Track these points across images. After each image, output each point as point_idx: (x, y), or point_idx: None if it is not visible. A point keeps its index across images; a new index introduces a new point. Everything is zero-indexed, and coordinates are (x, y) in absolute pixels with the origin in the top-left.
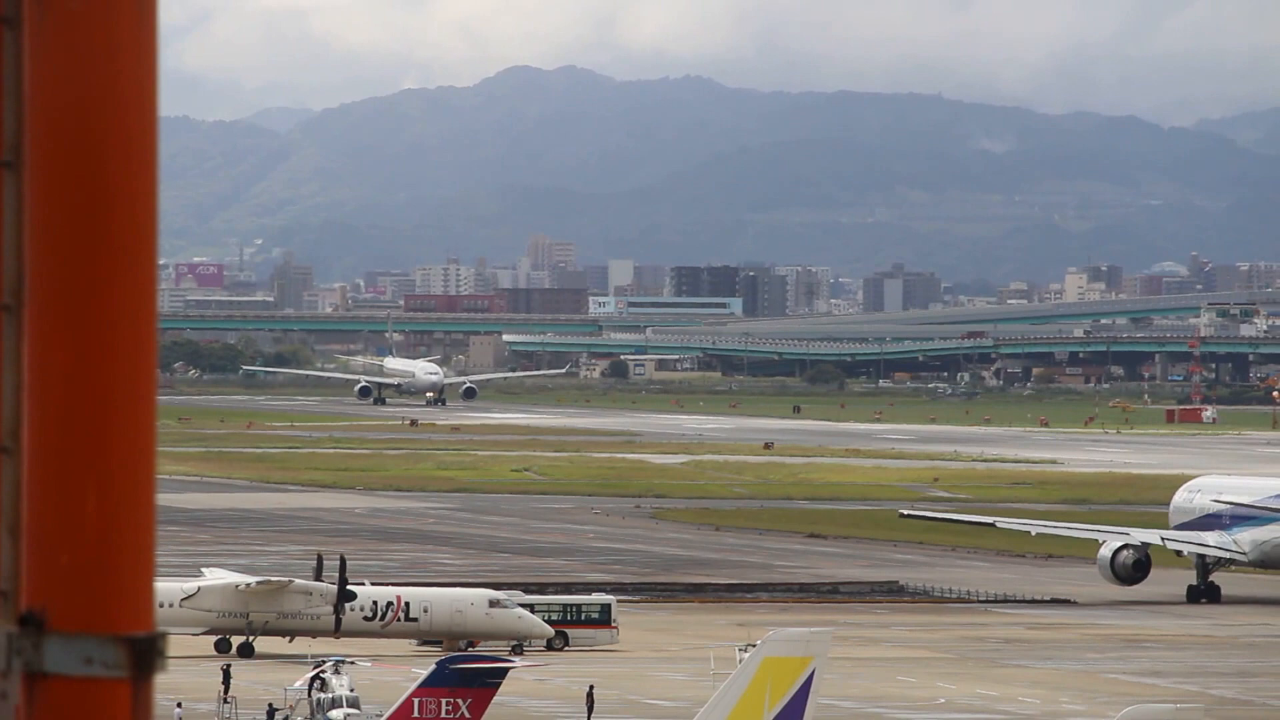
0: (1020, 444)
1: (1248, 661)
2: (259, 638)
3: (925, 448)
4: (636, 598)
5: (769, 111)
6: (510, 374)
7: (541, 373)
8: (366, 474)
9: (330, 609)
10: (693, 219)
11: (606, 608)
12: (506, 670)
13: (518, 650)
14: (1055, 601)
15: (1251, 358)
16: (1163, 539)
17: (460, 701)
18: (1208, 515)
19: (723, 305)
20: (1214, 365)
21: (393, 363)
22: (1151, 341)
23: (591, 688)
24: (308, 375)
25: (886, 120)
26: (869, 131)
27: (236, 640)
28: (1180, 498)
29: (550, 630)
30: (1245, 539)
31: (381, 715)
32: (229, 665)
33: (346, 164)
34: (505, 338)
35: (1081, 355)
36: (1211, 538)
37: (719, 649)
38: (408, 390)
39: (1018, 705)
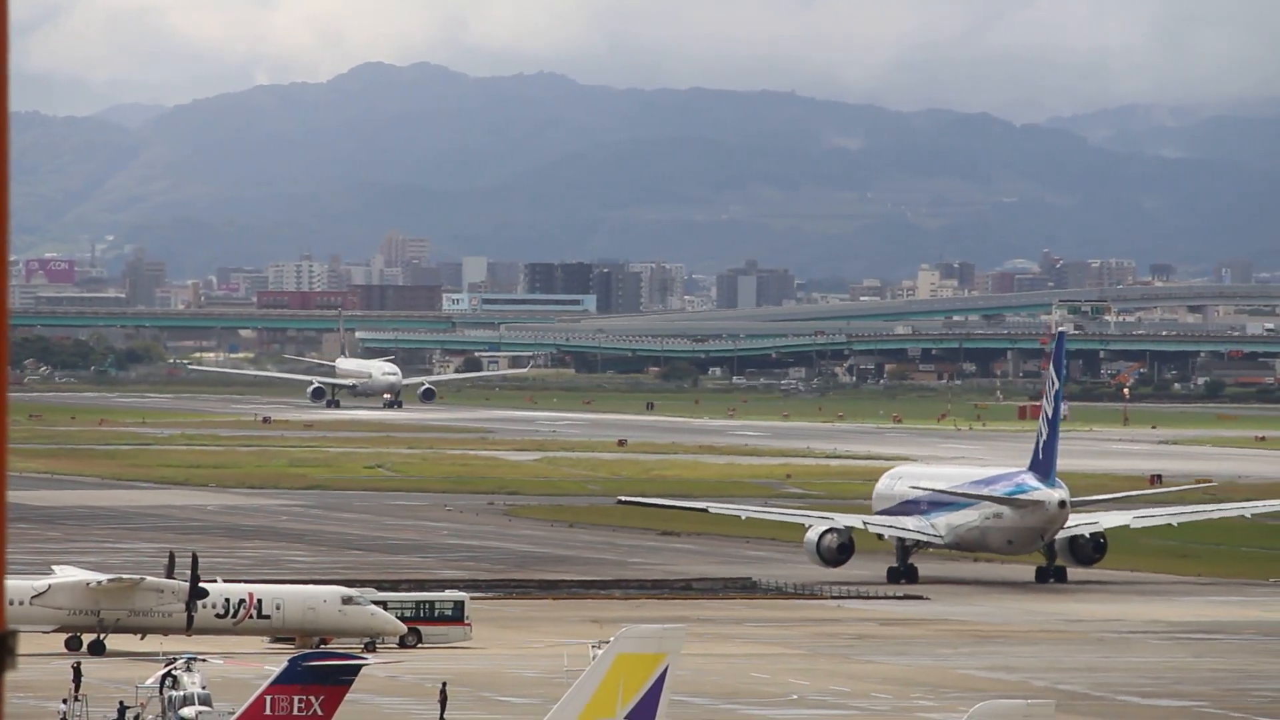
0: (874, 440)
1: (1100, 656)
2: (110, 635)
3: (779, 444)
4: (490, 595)
5: (623, 108)
6: (475, 374)
7: (500, 372)
8: (219, 471)
9: (182, 606)
10: (547, 216)
11: (459, 605)
12: (359, 667)
13: (370, 647)
14: (908, 597)
15: (1102, 354)
16: (865, 523)
17: (313, 699)
18: (907, 501)
19: (576, 302)
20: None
21: (346, 363)
22: (1004, 338)
23: (444, 685)
24: (255, 376)
25: (740, 117)
26: (722, 129)
27: (87, 638)
28: (882, 484)
29: (403, 627)
30: (941, 523)
31: (233, 713)
32: (80, 663)
33: (199, 160)
34: (359, 335)
35: (934, 352)
36: (911, 522)
37: (572, 646)
38: (363, 392)
39: (870, 701)
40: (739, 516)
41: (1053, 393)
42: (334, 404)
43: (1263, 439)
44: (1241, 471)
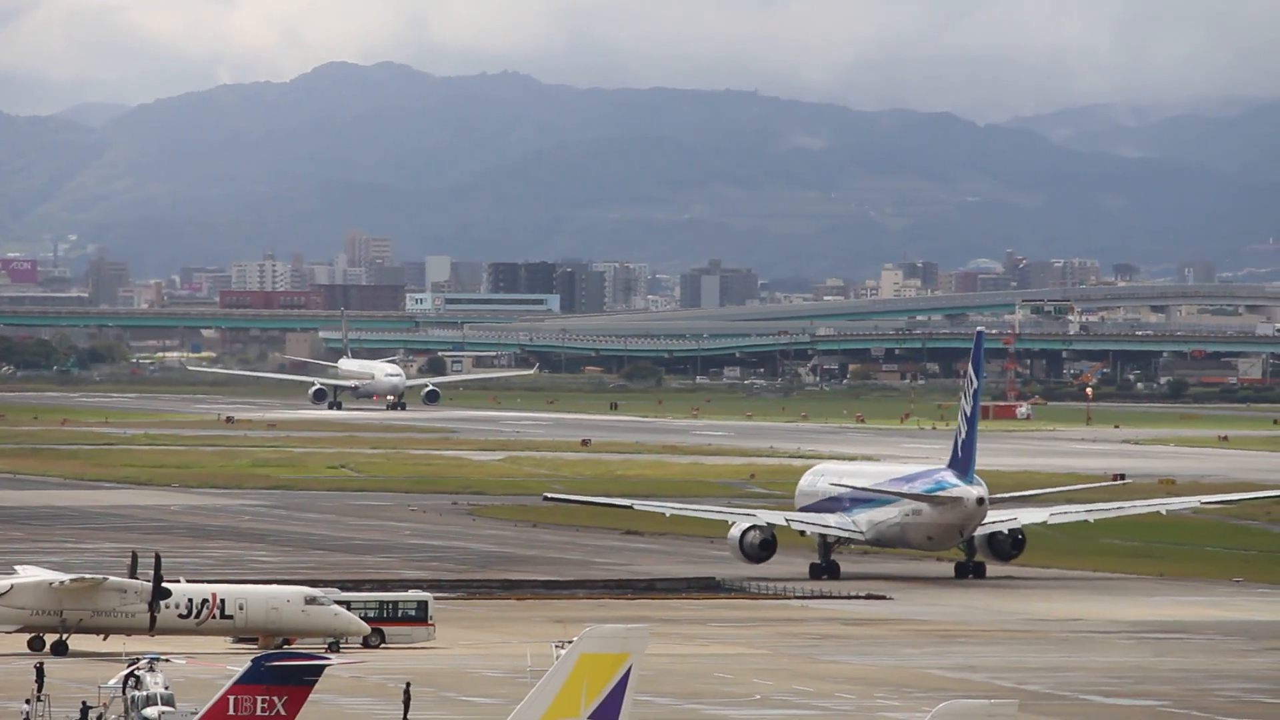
0: (837, 440)
1: (1063, 656)
2: (73, 635)
3: (742, 444)
4: (453, 595)
5: (586, 108)
6: (483, 375)
7: (511, 372)
8: (182, 471)
9: (145, 607)
10: (510, 215)
11: (423, 605)
12: (322, 668)
13: (334, 648)
14: (871, 597)
15: (1065, 354)
16: (787, 520)
17: (276, 699)
18: (829, 498)
19: (540, 302)
20: (1029, 361)
21: (348, 364)
22: (967, 338)
23: (408, 685)
24: (260, 378)
25: (702, 117)
26: (685, 128)
27: (50, 638)
28: (805, 481)
29: (366, 628)
30: (863, 520)
31: (196, 713)
32: (42, 663)
33: (162, 159)
34: (322, 334)
35: (897, 352)
36: (833, 519)
37: (536, 646)
38: (366, 393)
39: (834, 701)
40: (663, 514)
41: (970, 391)
42: (336, 405)
43: (1226, 438)
44: (1205, 470)
